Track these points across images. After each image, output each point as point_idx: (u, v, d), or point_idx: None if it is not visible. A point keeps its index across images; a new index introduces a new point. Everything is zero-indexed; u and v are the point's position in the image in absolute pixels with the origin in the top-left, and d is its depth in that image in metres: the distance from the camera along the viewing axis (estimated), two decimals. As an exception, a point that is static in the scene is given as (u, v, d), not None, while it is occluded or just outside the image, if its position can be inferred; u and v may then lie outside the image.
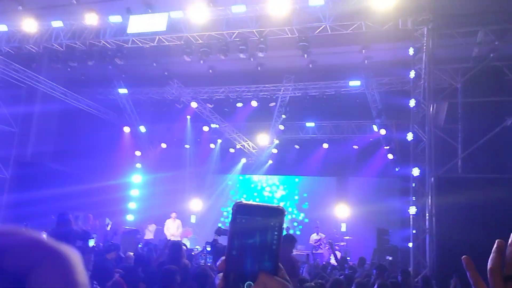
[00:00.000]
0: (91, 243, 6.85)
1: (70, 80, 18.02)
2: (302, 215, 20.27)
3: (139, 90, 18.21)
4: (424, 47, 11.45)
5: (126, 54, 13.74)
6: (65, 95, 17.61)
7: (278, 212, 0.72)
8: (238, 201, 0.73)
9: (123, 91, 18.02)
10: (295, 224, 20.06)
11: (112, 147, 19.41)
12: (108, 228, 14.20)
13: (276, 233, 0.71)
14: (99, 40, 13.25)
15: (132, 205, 20.96)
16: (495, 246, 0.80)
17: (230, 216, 0.71)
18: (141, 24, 12.63)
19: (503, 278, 0.77)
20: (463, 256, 0.86)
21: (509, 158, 11.43)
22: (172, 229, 15.71)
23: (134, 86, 17.97)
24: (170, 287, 4.61)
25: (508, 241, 0.79)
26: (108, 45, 13.46)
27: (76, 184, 15.73)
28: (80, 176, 17.00)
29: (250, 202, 0.73)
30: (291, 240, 6.18)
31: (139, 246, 13.92)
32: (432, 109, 11.20)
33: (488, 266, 0.79)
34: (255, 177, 21.21)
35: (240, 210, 0.72)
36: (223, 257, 0.71)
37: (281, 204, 0.73)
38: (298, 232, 19.66)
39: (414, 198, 11.59)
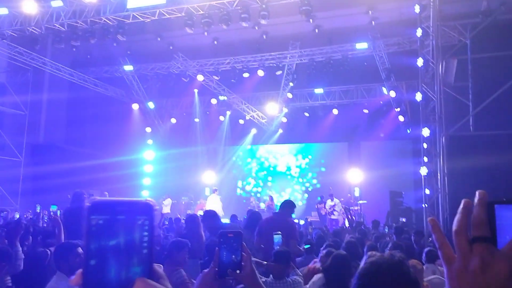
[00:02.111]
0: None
1: (76, 61, 18.03)
2: (312, 181, 20.34)
3: (145, 66, 18.13)
4: (431, 3, 11.11)
5: (129, 30, 13.61)
6: (72, 75, 17.64)
7: (145, 208, 0.61)
8: (92, 198, 0.62)
9: (128, 68, 17.98)
10: (310, 188, 20.16)
11: (122, 125, 19.54)
12: None
13: (145, 232, 0.60)
14: (100, 17, 13.13)
15: (147, 181, 21.19)
16: (461, 206, 0.75)
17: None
18: (141, -2, 12.48)
19: (468, 240, 0.73)
20: (429, 218, 0.82)
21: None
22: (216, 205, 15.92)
23: (140, 62, 17.90)
24: (178, 260, 4.66)
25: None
26: (109, 22, 13.33)
27: (89, 161, 15.99)
28: (93, 155, 17.22)
29: (108, 198, 0.61)
30: (289, 205, 6.28)
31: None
32: (441, 67, 10.95)
33: (453, 228, 0.75)
34: (266, 147, 21.20)
35: (96, 209, 0.60)
36: (79, 270, 0.60)
37: (150, 198, 0.63)
38: (304, 202, 19.82)
39: (426, 159, 11.49)
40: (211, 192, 17.26)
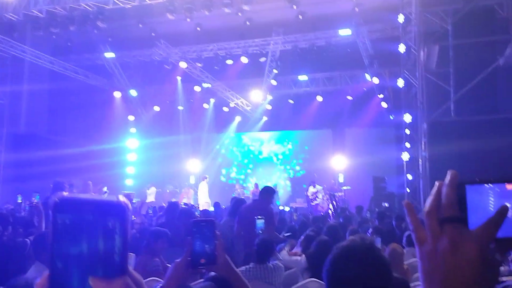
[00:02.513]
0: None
1: (56, 48, 17.69)
2: (296, 168, 20.43)
3: (126, 53, 17.86)
4: (413, -11, 11.14)
5: (109, 16, 13.38)
6: (52, 63, 17.33)
7: (117, 209, 0.56)
8: (60, 195, 0.56)
9: (110, 55, 17.70)
10: (294, 175, 20.25)
11: (105, 113, 19.32)
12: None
13: (116, 236, 0.55)
14: (79, 3, 12.88)
15: (130, 170, 21.04)
16: (434, 188, 0.75)
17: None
18: (121, -17, 12.26)
19: (439, 221, 0.72)
20: (404, 201, 0.82)
21: (502, 98, 11.31)
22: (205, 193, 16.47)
23: (121, 50, 17.63)
24: (156, 249, 4.66)
25: None
26: (88, 8, 13.09)
27: (72, 150, 15.83)
28: (75, 143, 17.03)
29: (76, 195, 0.56)
30: (269, 192, 6.32)
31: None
32: (423, 54, 11.01)
33: (424, 209, 0.74)
34: (251, 134, 21.18)
35: (63, 207, 0.55)
36: (45, 273, 0.56)
37: (124, 199, 0.57)
38: (288, 189, 19.93)
39: (408, 145, 11.60)
40: (201, 180, 17.77)
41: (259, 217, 4.72)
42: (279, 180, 19.80)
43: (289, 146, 20.86)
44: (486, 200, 0.74)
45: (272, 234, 5.64)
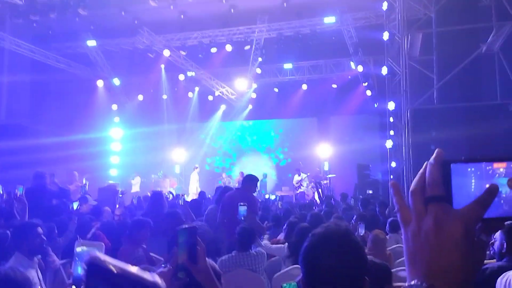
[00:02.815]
0: (75, 206, 6.69)
1: (37, 36, 17.35)
2: (281, 156, 20.48)
3: (109, 41, 17.59)
4: (397, -23, 11.12)
5: (91, 4, 13.15)
6: (33, 52, 16.99)
7: None
8: (93, 257, 0.50)
9: (91, 43, 17.41)
10: (280, 164, 20.30)
11: (88, 102, 19.06)
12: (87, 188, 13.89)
13: None
14: (60, -10, 12.63)
15: (115, 159, 20.85)
16: (421, 169, 0.72)
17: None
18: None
19: (423, 200, 0.70)
20: (391, 182, 0.79)
21: (485, 85, 11.43)
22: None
23: (104, 38, 17.35)
24: (139, 238, 4.62)
25: None
26: (69, -6, 12.84)
27: (55, 139, 15.63)
28: (58, 133, 16.80)
29: (110, 263, 0.51)
30: (251, 180, 6.31)
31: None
32: (407, 41, 11.04)
33: (410, 189, 0.72)
34: (236, 123, 21.12)
35: (95, 275, 0.50)
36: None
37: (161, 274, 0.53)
38: (274, 178, 19.99)
39: (392, 132, 11.68)
40: (192, 170, 18.10)
41: (242, 203, 4.72)
42: (265, 169, 19.82)
43: (275, 135, 20.87)
44: (471, 179, 0.71)
45: (254, 222, 5.65)
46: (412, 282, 0.68)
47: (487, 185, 0.69)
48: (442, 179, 0.70)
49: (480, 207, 0.67)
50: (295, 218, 5.46)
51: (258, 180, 6.47)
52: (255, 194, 6.54)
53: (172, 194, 12.56)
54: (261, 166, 19.84)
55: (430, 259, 0.67)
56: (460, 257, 0.66)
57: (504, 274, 2.63)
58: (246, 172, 17.71)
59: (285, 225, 4.98)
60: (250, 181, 6.31)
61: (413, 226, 0.70)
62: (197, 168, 18.01)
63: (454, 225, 0.67)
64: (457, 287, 0.66)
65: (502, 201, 0.70)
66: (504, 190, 0.69)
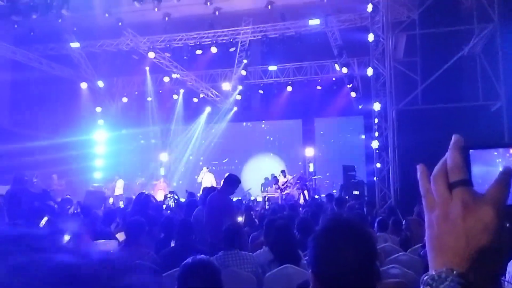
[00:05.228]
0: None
1: (18, 37, 17.06)
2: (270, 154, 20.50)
3: (93, 43, 17.39)
4: (381, -21, 11.24)
5: (74, 5, 12.99)
6: (14, 53, 16.71)
7: None
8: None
9: (75, 45, 17.17)
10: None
11: (71, 105, 18.80)
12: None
13: None
14: (42, -10, 12.45)
15: (99, 162, 20.60)
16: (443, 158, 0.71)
17: None
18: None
19: (447, 186, 0.68)
20: (418, 165, 0.75)
21: (467, 87, 11.61)
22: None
23: (87, 39, 17.15)
24: (138, 237, 4.58)
25: None
26: (52, -5, 12.67)
27: (37, 143, 15.38)
28: (41, 136, 16.51)
29: None
30: (230, 182, 6.14)
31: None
32: (391, 43, 11.16)
33: (432, 174, 0.70)
34: (221, 125, 21.05)
35: None
36: None
37: None
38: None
39: (377, 133, 11.78)
40: (202, 172, 17.31)
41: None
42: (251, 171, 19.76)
43: (260, 136, 20.88)
44: (489, 165, 0.71)
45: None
46: (443, 269, 0.66)
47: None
48: (464, 163, 0.69)
49: (503, 188, 0.67)
50: (270, 217, 5.40)
51: (239, 182, 6.30)
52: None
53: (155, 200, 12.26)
54: (247, 168, 19.82)
55: (457, 244, 0.66)
56: (491, 241, 0.65)
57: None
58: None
59: (263, 225, 4.85)
60: (227, 182, 6.14)
61: (438, 211, 0.69)
62: (207, 168, 17.45)
63: (483, 210, 0.66)
64: (487, 270, 0.66)
65: None
66: None
